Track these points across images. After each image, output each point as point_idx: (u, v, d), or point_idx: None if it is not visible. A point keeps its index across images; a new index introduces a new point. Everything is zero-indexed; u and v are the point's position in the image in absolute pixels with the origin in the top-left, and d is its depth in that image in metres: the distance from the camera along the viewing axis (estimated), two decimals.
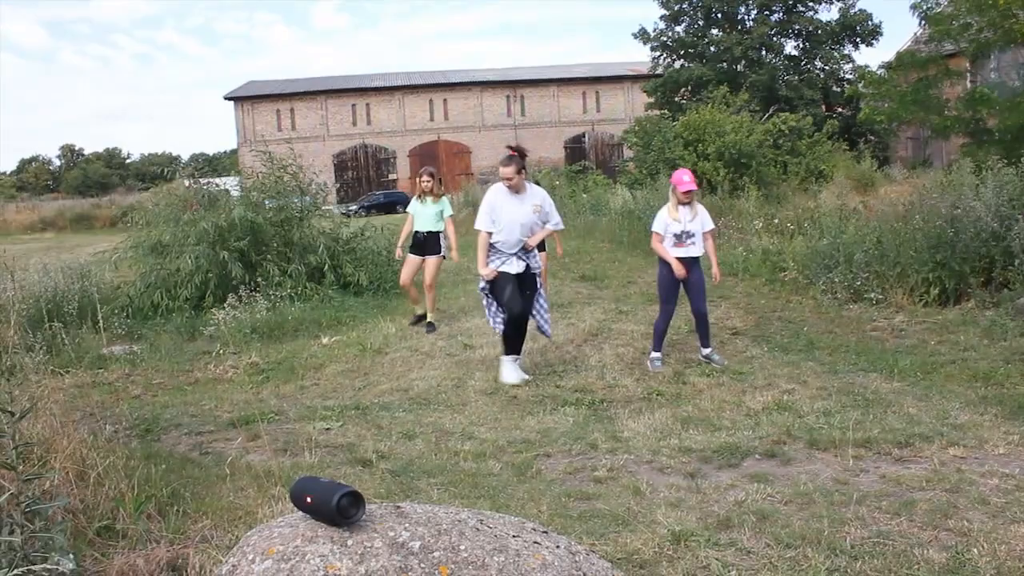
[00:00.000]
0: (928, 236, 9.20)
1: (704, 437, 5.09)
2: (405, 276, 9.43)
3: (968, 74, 22.93)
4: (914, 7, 20.39)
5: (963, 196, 9.26)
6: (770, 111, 27.78)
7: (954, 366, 6.61)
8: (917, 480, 4.28)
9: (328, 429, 5.65)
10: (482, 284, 6.84)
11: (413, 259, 9.37)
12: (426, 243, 9.28)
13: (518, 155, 6.73)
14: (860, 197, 16.99)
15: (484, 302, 6.91)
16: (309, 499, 2.45)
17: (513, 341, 6.80)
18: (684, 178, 7.02)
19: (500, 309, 6.76)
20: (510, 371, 6.75)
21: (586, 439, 5.22)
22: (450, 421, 5.77)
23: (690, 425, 5.34)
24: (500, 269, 6.70)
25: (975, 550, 3.45)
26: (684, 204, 7.03)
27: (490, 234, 6.73)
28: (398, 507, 2.60)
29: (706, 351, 7.15)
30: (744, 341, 7.89)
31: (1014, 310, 7.98)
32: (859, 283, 9.45)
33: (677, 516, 3.93)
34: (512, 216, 6.70)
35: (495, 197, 6.78)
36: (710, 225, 7.18)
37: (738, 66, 37.40)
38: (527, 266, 6.80)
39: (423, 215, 9.29)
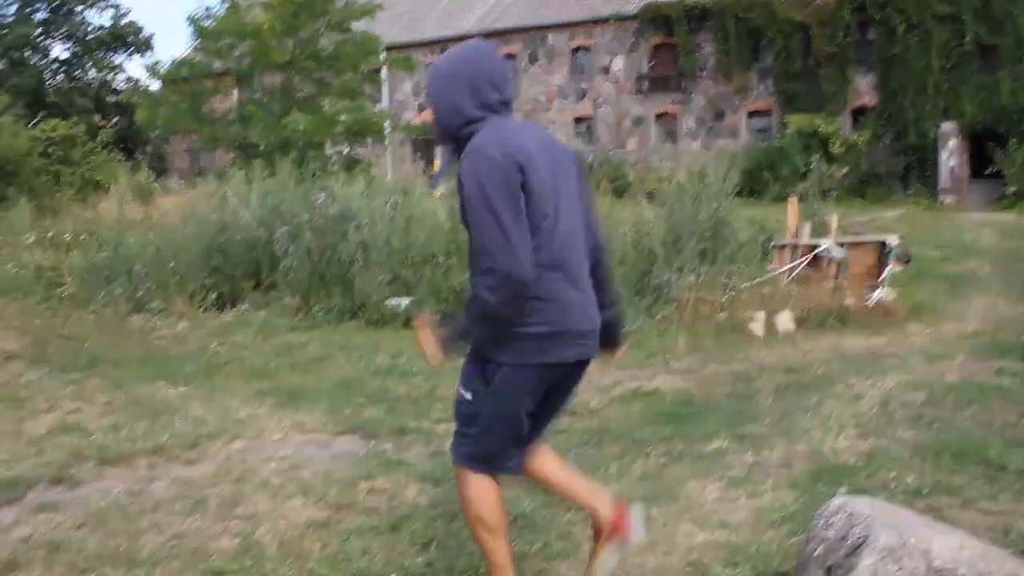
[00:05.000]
0: (203, 243, 9.66)
1: None
2: None
3: (236, 91, 24.58)
4: (191, 20, 21.09)
5: (231, 205, 9.95)
6: (38, 116, 25.99)
7: (233, 365, 7.09)
8: (207, 477, 4.49)
9: None
10: None
11: None
12: None
13: None
14: (140, 208, 16.97)
15: None
16: None
17: None
18: None
19: None
20: None
21: None
22: None
23: None
24: None
25: (261, 530, 3.77)
26: None
27: None
28: None
29: None
30: (19, 365, 7.31)
31: (282, 309, 8.90)
32: (141, 294, 9.48)
33: None
34: None
35: None
36: None
37: None
38: None
39: None
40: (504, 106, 2.78)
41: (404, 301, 8.50)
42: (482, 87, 2.72)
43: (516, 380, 2.77)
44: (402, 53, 27.45)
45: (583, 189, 2.93)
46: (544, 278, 2.67)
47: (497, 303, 2.61)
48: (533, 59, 30.84)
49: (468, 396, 2.85)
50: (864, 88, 24.76)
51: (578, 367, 2.91)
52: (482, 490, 2.88)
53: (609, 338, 3.06)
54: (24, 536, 3.83)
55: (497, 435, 2.86)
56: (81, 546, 3.70)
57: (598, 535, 3.06)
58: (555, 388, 2.90)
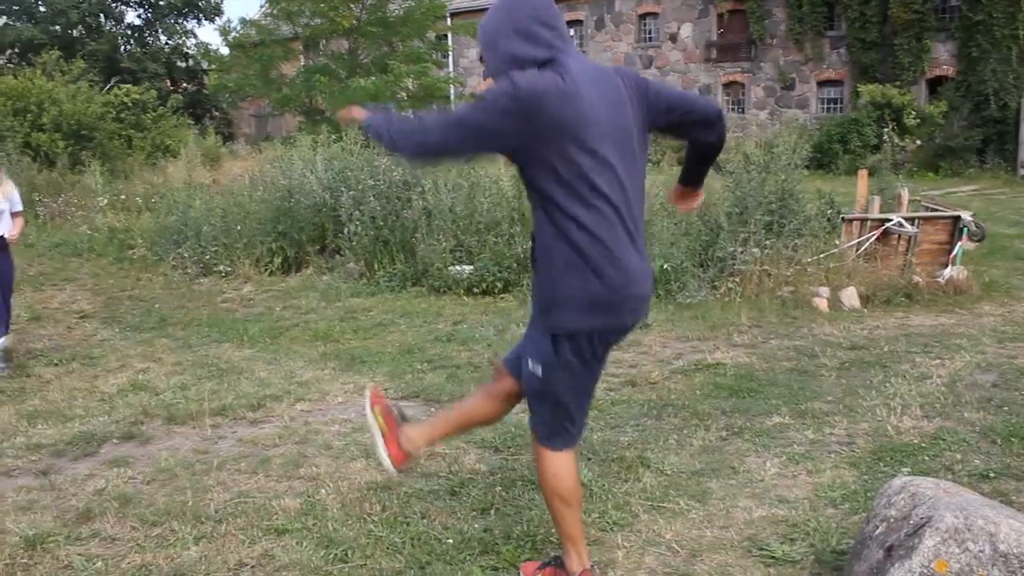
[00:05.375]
0: (270, 208, 9.83)
1: (55, 430, 4.80)
2: None
3: (302, 56, 24.78)
4: None
5: (297, 170, 10.09)
6: (112, 82, 26.55)
7: (298, 328, 7.23)
8: (271, 438, 4.61)
9: None
10: None
11: None
12: None
13: None
14: (208, 172, 17.28)
15: None
16: None
17: None
18: None
19: None
20: None
21: None
22: None
23: (38, 420, 4.98)
24: None
25: (323, 491, 3.86)
26: None
27: None
28: None
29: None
30: (94, 324, 7.56)
31: (345, 274, 9.01)
32: (208, 257, 9.70)
33: (30, 519, 3.67)
34: None
35: None
36: (19, 206, 6.23)
37: (74, 31, 34.89)
38: None
39: None
40: (563, 41, 2.62)
41: (467, 268, 8.54)
42: (533, 28, 2.59)
43: (582, 349, 2.69)
44: (468, 19, 27.35)
45: (662, 104, 2.75)
46: (603, 239, 2.58)
47: (407, 142, 2.64)
48: (599, 26, 30.44)
49: (539, 372, 2.75)
50: (943, 57, 23.92)
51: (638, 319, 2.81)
52: (562, 467, 2.83)
53: (695, 180, 3.09)
54: (98, 488, 3.99)
55: (572, 408, 2.81)
56: (151, 500, 3.83)
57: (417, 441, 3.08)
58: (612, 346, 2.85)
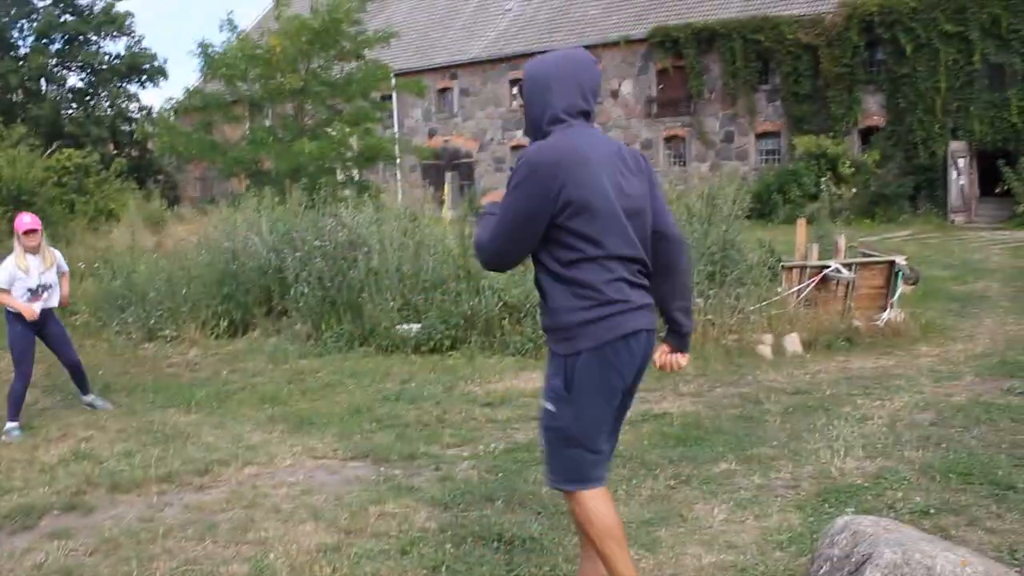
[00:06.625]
0: (215, 271, 9.77)
1: None
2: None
3: (247, 120, 24.79)
4: (200, 47, 21.31)
5: (242, 232, 10.05)
6: (54, 146, 26.30)
7: (245, 392, 7.16)
8: (219, 503, 4.54)
9: None
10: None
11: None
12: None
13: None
14: (153, 236, 17.12)
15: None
16: None
17: None
18: (25, 219, 6.39)
19: None
20: None
21: None
22: None
23: None
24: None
25: (272, 555, 3.81)
26: (32, 252, 6.39)
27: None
28: None
29: (88, 398, 6.93)
30: (34, 393, 7.35)
31: (292, 335, 8.96)
32: (153, 321, 9.58)
33: None
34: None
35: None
36: (65, 268, 6.82)
37: (14, 96, 34.59)
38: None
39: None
40: (586, 116, 2.85)
41: (414, 327, 8.54)
42: (574, 93, 2.82)
43: (595, 365, 2.74)
44: (411, 79, 27.62)
45: (654, 192, 2.92)
46: (602, 274, 2.73)
47: (480, 251, 2.88)
48: None
49: (551, 407, 2.80)
50: (873, 108, 24.80)
51: (645, 348, 2.86)
52: (599, 502, 2.80)
53: (669, 335, 3.08)
54: (38, 563, 3.88)
55: (591, 441, 2.79)
56: (94, 572, 3.74)
57: None
58: (624, 378, 2.84)
